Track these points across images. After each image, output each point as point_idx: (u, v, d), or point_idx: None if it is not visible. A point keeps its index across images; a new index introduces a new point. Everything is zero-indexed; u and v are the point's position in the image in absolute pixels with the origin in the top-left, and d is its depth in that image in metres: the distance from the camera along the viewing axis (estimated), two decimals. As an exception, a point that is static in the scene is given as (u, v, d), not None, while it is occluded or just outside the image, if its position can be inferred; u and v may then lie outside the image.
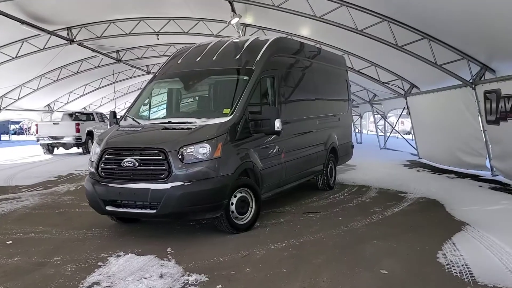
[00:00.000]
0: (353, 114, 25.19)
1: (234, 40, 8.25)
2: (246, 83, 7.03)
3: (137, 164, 6.12)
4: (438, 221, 7.06)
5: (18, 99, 22.04)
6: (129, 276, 4.87)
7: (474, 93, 10.75)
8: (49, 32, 15.35)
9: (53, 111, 26.93)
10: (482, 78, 10.40)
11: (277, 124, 6.81)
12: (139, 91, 9.02)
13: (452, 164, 12.67)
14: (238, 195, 6.53)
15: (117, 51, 21.72)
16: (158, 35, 17.08)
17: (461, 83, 11.13)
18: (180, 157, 6.01)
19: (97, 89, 27.56)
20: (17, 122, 42.60)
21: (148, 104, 7.84)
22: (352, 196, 9.32)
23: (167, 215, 6.16)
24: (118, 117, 7.63)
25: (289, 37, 13.47)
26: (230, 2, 12.03)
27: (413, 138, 16.51)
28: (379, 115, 21.57)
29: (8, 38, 15.73)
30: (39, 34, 15.29)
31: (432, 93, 13.33)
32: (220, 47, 7.91)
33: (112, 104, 32.60)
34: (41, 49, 16.99)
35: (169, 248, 5.81)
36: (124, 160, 6.18)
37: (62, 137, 20.05)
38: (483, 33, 9.15)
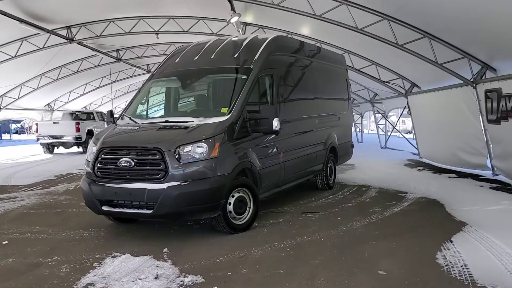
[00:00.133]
0: (354, 113, 25.29)
1: (233, 39, 8.18)
2: (244, 82, 6.96)
3: (133, 163, 6.07)
4: (438, 221, 7.00)
5: (18, 98, 22.01)
6: (124, 277, 4.82)
7: (475, 92, 10.67)
8: (48, 31, 15.30)
9: (53, 110, 26.90)
10: (483, 77, 10.32)
11: (275, 123, 6.74)
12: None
13: (453, 164, 12.59)
14: (236, 195, 6.47)
15: (117, 50, 21.68)
16: (157, 34, 17.04)
17: (462, 82, 11.06)
18: (177, 156, 5.95)
19: (97, 88, 27.54)
20: (18, 121, 42.59)
21: (146, 103, 7.79)
22: (351, 196, 9.26)
23: (163, 215, 6.10)
24: (115, 116, 7.57)
25: (290, 36, 13.43)
26: (229, 1, 11.95)
27: (414, 137, 16.44)
28: (380, 114, 21.51)
29: (7, 37, 15.69)
30: (38, 33, 15.25)
31: (433, 92, 13.26)
32: (218, 45, 7.85)
33: (114, 103, 32.60)
34: (40, 48, 16.94)
35: (166, 249, 5.76)
36: (121, 160, 6.13)
37: (62, 136, 20.02)
38: (484, 32, 9.07)
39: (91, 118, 21.67)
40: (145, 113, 7.74)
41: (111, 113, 7.57)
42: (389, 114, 21.86)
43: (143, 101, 7.79)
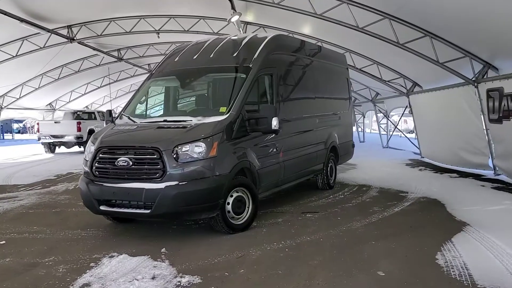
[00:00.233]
0: (356, 113, 25.26)
1: (232, 38, 8.13)
2: (243, 81, 6.92)
3: (131, 163, 6.03)
4: (438, 221, 6.94)
5: (19, 97, 22.00)
6: (120, 278, 4.78)
7: (477, 92, 10.61)
8: (49, 31, 15.29)
9: (54, 109, 26.90)
10: (485, 76, 10.26)
11: (274, 122, 6.70)
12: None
13: (455, 163, 12.53)
14: (235, 194, 6.43)
15: (118, 50, 21.65)
16: (158, 33, 17.00)
17: (463, 81, 11.00)
18: (175, 156, 5.91)
19: (98, 87, 27.53)
20: (21, 121, 42.65)
21: (145, 103, 7.75)
22: (352, 195, 9.21)
23: (161, 215, 6.07)
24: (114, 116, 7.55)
25: (290, 35, 13.37)
26: (229, 0, 11.91)
27: (416, 137, 16.37)
28: (381, 114, 21.44)
29: (8, 36, 15.67)
30: (39, 33, 15.23)
31: (434, 91, 13.20)
32: (218, 44, 7.80)
33: (115, 103, 32.62)
34: (41, 48, 16.92)
35: (164, 249, 5.72)
36: (118, 159, 6.09)
37: (63, 136, 20.03)
38: (486, 31, 9.00)
39: (93, 118, 21.67)
40: (143, 112, 7.69)
41: (109, 112, 7.55)
42: (391, 113, 21.79)
43: (141, 101, 7.75)
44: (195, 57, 7.68)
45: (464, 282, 4.49)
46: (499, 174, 10.61)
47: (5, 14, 12.50)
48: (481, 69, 10.30)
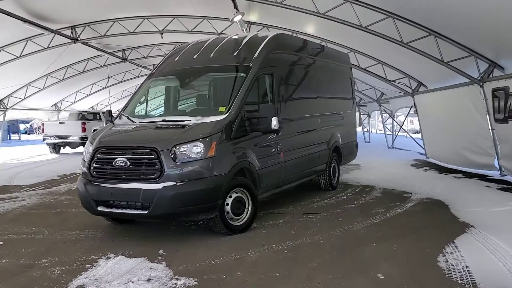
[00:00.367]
0: (361, 113, 25.12)
1: (233, 37, 8.06)
2: (243, 81, 6.84)
3: (129, 163, 5.97)
4: (441, 223, 6.83)
5: (24, 98, 22.00)
6: (116, 280, 4.72)
7: (482, 91, 10.46)
8: (52, 31, 15.24)
9: (60, 110, 26.93)
10: (490, 76, 10.12)
11: (274, 122, 6.61)
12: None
13: (460, 164, 12.38)
14: (234, 195, 6.36)
15: (123, 50, 21.61)
16: (162, 33, 16.94)
17: (468, 80, 10.86)
18: (172, 156, 5.84)
19: (103, 88, 27.53)
20: (28, 122, 42.86)
21: (144, 102, 7.69)
22: (355, 196, 9.10)
23: (159, 216, 6.00)
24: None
25: (294, 35, 13.29)
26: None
27: (421, 137, 16.22)
28: (387, 114, 21.29)
29: (12, 37, 15.64)
30: (43, 33, 15.20)
31: (439, 91, 13.06)
32: (218, 44, 7.73)
33: (120, 104, 32.59)
34: (45, 48, 16.89)
35: (161, 250, 5.65)
36: (116, 160, 6.03)
37: (68, 137, 20.07)
38: (491, 29, 8.87)
39: (98, 118, 21.67)
40: (143, 112, 7.65)
41: (109, 112, 7.49)
42: (397, 113, 21.62)
43: (141, 100, 7.69)
44: (195, 56, 7.62)
45: (466, 285, 4.38)
46: (505, 175, 10.45)
47: (7, 15, 12.47)
48: (486, 68, 10.15)
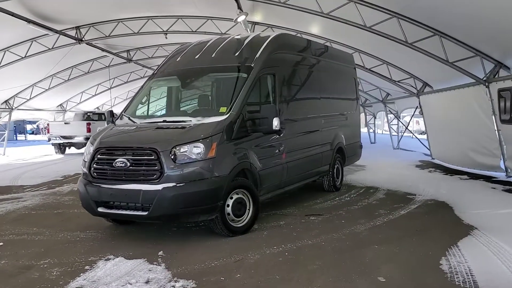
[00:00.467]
0: (367, 114, 24.97)
1: (235, 37, 8.02)
2: (245, 81, 6.78)
3: (129, 164, 5.93)
4: (445, 225, 6.74)
5: (30, 98, 22.05)
6: (114, 281, 4.69)
7: (488, 91, 10.35)
8: (57, 32, 15.26)
9: (65, 110, 27.00)
10: (496, 76, 10.01)
11: (275, 122, 6.57)
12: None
13: (465, 165, 12.26)
14: (235, 196, 6.31)
15: (128, 51, 21.62)
16: (166, 34, 16.92)
17: (474, 81, 10.74)
18: (172, 157, 5.80)
19: (109, 89, 27.57)
20: (34, 122, 43.03)
21: (145, 103, 7.66)
22: (358, 197, 9.02)
23: (159, 217, 5.96)
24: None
25: (298, 35, 13.22)
26: (236, 0, 11.79)
27: (427, 138, 16.09)
28: (392, 115, 21.15)
29: (17, 38, 15.68)
30: (47, 34, 15.23)
31: (445, 91, 12.93)
32: (220, 44, 7.69)
33: (125, 105, 32.58)
34: (50, 49, 16.92)
35: (161, 252, 5.61)
36: (116, 160, 6.00)
37: (73, 137, 20.11)
38: (497, 29, 8.76)
39: (103, 119, 21.67)
40: (144, 113, 7.62)
41: (110, 113, 7.47)
42: (403, 114, 21.45)
43: (143, 101, 7.67)
44: (197, 56, 7.59)
45: (468, 289, 4.31)
46: (511, 176, 10.32)
47: (12, 15, 12.49)
48: (492, 69, 10.04)
